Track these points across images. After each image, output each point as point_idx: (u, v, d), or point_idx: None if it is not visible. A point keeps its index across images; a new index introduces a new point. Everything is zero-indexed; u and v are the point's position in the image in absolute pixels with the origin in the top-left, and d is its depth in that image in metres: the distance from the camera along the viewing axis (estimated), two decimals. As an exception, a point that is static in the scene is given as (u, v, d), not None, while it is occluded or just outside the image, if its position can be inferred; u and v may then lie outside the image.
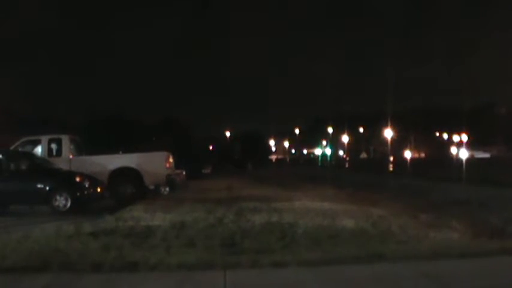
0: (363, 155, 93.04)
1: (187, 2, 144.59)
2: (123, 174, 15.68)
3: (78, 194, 12.96)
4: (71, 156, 15.76)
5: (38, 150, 15.75)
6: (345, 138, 78.61)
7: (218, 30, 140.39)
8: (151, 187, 16.94)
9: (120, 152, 20.57)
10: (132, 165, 15.83)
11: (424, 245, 6.49)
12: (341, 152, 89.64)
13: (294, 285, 5.06)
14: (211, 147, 69.76)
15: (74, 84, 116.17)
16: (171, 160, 16.97)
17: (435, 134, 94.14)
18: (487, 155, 74.23)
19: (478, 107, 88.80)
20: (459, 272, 5.36)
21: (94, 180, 13.83)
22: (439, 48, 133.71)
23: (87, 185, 13.39)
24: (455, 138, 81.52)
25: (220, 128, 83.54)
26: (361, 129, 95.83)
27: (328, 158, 77.56)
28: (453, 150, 77.27)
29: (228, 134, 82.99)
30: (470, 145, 72.74)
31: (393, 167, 45.30)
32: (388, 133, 61.12)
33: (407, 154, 63.46)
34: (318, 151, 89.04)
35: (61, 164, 14.93)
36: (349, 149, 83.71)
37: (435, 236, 7.19)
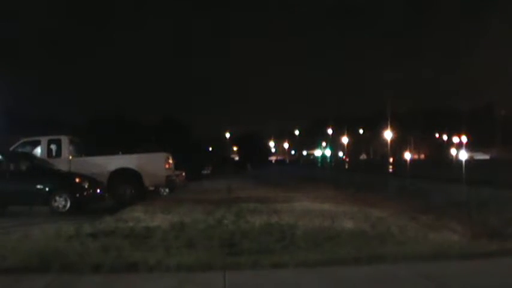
0: (363, 156, 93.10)
1: (187, 2, 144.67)
2: (122, 175, 15.71)
3: (77, 195, 13.01)
4: (70, 157, 15.77)
5: (38, 151, 15.77)
6: (345, 140, 78.69)
7: (218, 30, 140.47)
8: (151, 188, 16.96)
9: (120, 153, 20.58)
10: (132, 166, 15.86)
11: (424, 246, 6.49)
12: (341, 153, 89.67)
13: (293, 286, 5.06)
14: (210, 148, 69.77)
15: (73, 84, 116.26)
16: (170, 161, 17.00)
17: (435, 135, 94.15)
18: (486, 157, 74.19)
19: (478, 108, 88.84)
20: (459, 273, 5.37)
21: (94, 181, 13.87)
22: (439, 49, 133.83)
23: (86, 186, 13.43)
24: (455, 139, 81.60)
25: (220, 128, 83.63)
26: (361, 131, 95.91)
27: (328, 159, 77.48)
28: (453, 151, 77.29)
29: (227, 135, 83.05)
30: (469, 146, 72.80)
31: (393, 168, 45.17)
32: (388, 134, 61.24)
33: (407, 155, 63.48)
34: (317, 152, 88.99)
35: (60, 165, 14.95)
36: (349, 150, 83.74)
37: (434, 237, 7.19)
